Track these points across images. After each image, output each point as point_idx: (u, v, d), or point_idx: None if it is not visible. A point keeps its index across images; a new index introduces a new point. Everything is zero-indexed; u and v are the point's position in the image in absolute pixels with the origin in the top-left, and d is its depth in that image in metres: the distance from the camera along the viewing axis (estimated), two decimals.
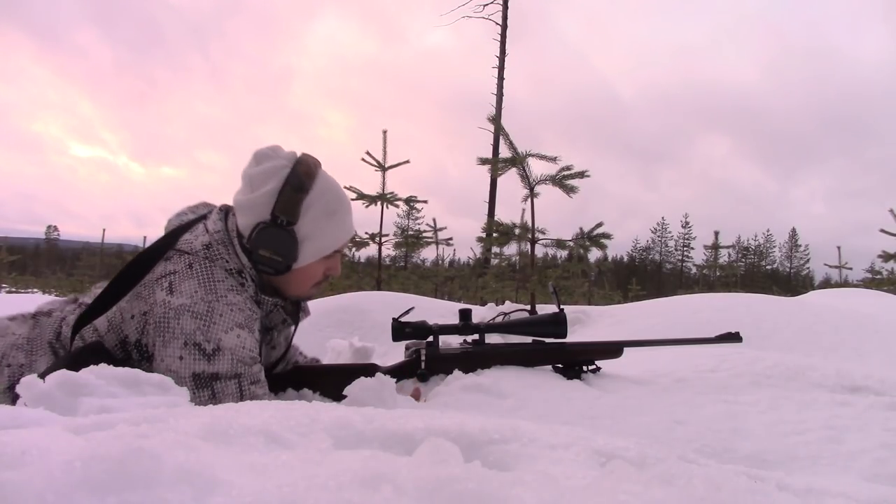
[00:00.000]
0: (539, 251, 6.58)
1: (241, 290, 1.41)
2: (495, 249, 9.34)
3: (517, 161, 5.75)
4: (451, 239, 12.15)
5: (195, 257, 1.39)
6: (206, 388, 1.31)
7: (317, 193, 1.46)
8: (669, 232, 58.10)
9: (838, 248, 13.10)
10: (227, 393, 1.32)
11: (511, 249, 8.07)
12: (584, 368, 1.69)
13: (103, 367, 1.05)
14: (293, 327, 1.67)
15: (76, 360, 1.32)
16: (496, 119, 8.10)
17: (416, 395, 1.58)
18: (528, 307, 5.18)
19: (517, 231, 6.52)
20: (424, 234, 11.82)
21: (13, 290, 16.46)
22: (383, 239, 9.11)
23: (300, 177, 1.44)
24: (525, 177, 5.79)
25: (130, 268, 1.41)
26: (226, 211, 1.52)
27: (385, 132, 8.91)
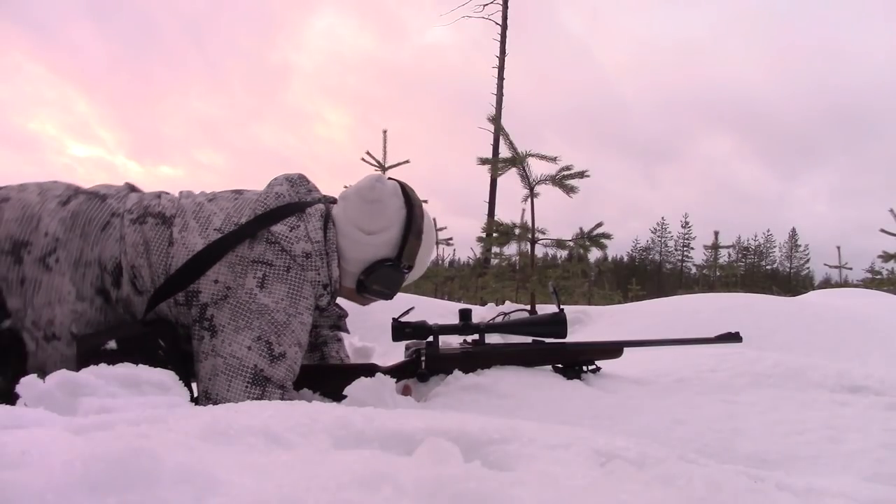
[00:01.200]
0: (539, 251, 6.58)
1: (313, 307, 1.48)
2: (495, 249, 9.33)
3: (517, 161, 5.75)
4: (451, 239, 12.13)
5: (294, 262, 1.43)
6: (259, 385, 1.36)
7: (426, 235, 1.62)
8: (669, 232, 58.14)
9: (838, 248, 13.10)
10: (272, 399, 1.36)
11: (511, 249, 8.07)
12: (584, 368, 1.69)
13: (103, 367, 1.05)
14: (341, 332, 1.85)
15: (147, 332, 1.37)
16: (496, 119, 8.11)
17: (408, 392, 1.58)
18: (528, 307, 5.18)
19: (517, 231, 6.52)
20: None
21: None
22: None
23: (418, 223, 1.58)
24: (525, 177, 5.80)
25: (224, 240, 1.43)
26: (327, 217, 1.55)
27: (385, 132, 8.92)
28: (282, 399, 1.38)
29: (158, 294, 1.41)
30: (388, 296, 1.59)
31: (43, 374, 0.99)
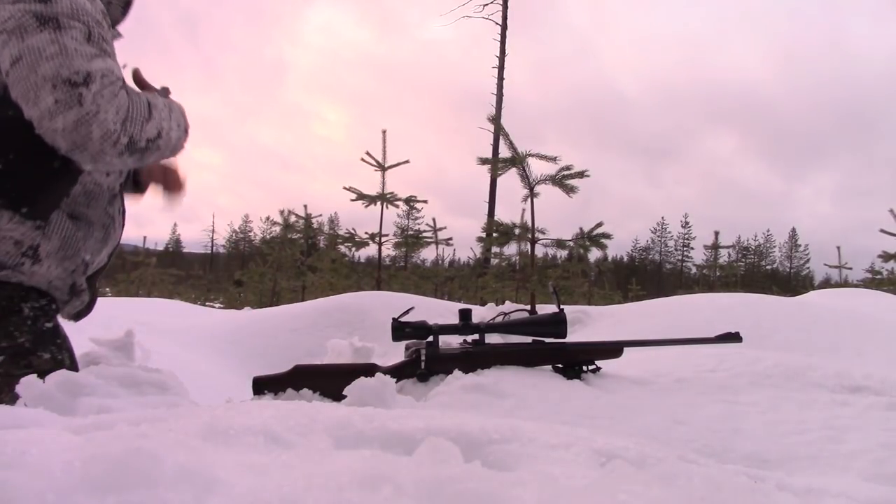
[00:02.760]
0: (539, 251, 6.60)
1: None
2: (495, 249, 9.34)
3: (517, 161, 5.76)
4: (451, 239, 12.15)
5: None
6: (50, 22, 1.17)
7: None
8: (669, 232, 58.12)
9: (838, 248, 13.12)
10: (74, 28, 1.18)
11: (511, 249, 8.09)
12: (584, 368, 1.69)
13: (103, 367, 1.05)
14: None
15: None
16: (496, 119, 8.13)
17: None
18: (528, 307, 5.19)
19: (517, 231, 6.53)
20: (424, 234, 11.83)
21: None
22: (383, 239, 9.12)
23: None
24: (525, 177, 5.81)
25: None
26: None
27: (385, 132, 8.92)
28: (89, 34, 1.19)
29: None
30: None
31: None
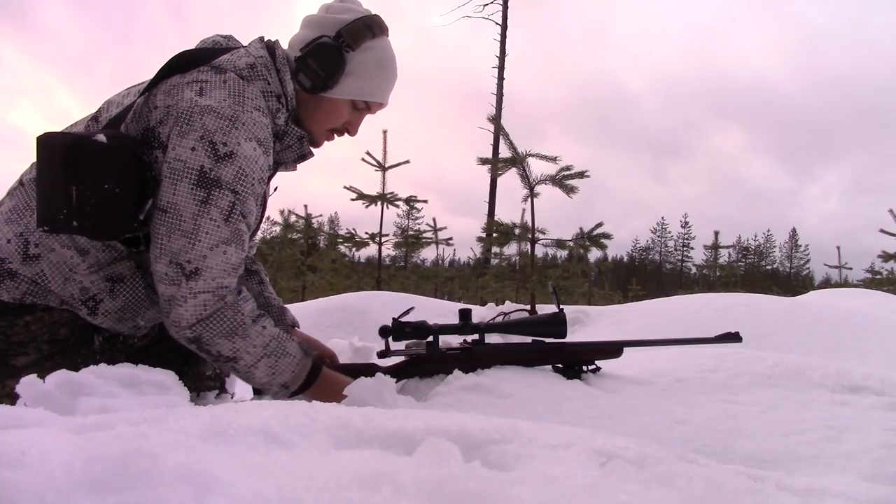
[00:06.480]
0: (539, 251, 6.60)
1: (267, 114, 1.43)
2: (495, 249, 9.36)
3: (517, 161, 5.76)
4: (451, 239, 12.15)
5: (230, 75, 1.40)
6: (204, 188, 1.30)
7: (379, 43, 1.54)
8: (669, 232, 58.08)
9: (838, 248, 13.12)
10: (220, 205, 1.32)
11: (511, 249, 8.11)
12: (584, 368, 1.69)
13: (103, 367, 1.05)
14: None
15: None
16: (496, 119, 8.14)
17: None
18: (528, 307, 5.19)
19: (517, 231, 6.54)
20: (424, 234, 11.83)
21: None
22: (383, 239, 9.12)
23: (374, 20, 1.53)
24: (525, 177, 5.81)
25: (165, 69, 1.42)
26: (268, 43, 1.53)
27: (385, 132, 8.93)
28: (231, 208, 1.33)
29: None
30: (319, 79, 1.48)
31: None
